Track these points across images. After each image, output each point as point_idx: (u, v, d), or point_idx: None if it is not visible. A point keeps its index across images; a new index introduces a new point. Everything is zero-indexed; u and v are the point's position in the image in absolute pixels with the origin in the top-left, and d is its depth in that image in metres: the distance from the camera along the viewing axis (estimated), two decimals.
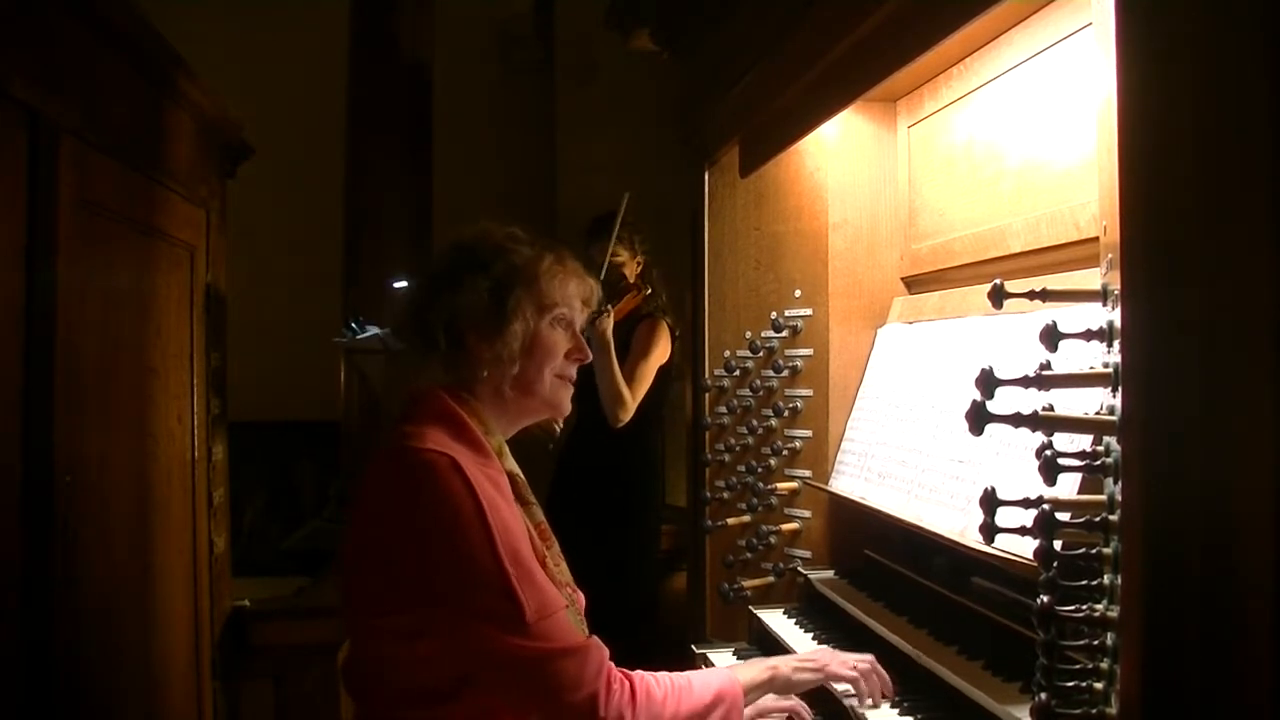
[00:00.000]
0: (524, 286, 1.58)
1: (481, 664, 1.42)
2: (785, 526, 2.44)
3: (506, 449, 1.60)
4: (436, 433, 1.48)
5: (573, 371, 1.66)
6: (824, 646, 1.83)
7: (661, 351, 3.40)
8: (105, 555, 2.14)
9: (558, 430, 1.81)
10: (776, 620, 2.22)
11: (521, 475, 1.61)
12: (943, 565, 1.88)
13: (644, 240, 3.50)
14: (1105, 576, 1.05)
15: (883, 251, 2.35)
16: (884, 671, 1.69)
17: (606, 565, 3.13)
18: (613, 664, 1.50)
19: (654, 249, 3.56)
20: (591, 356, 1.69)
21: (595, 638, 1.50)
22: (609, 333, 3.25)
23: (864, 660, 1.69)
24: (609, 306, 3.23)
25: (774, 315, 2.47)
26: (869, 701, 1.66)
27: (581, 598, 1.65)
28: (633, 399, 3.31)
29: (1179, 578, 0.95)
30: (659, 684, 1.52)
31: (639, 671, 1.55)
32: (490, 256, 1.59)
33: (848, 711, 1.70)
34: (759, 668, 1.67)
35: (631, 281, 3.46)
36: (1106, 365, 1.06)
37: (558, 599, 1.47)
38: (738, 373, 2.58)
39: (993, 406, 1.16)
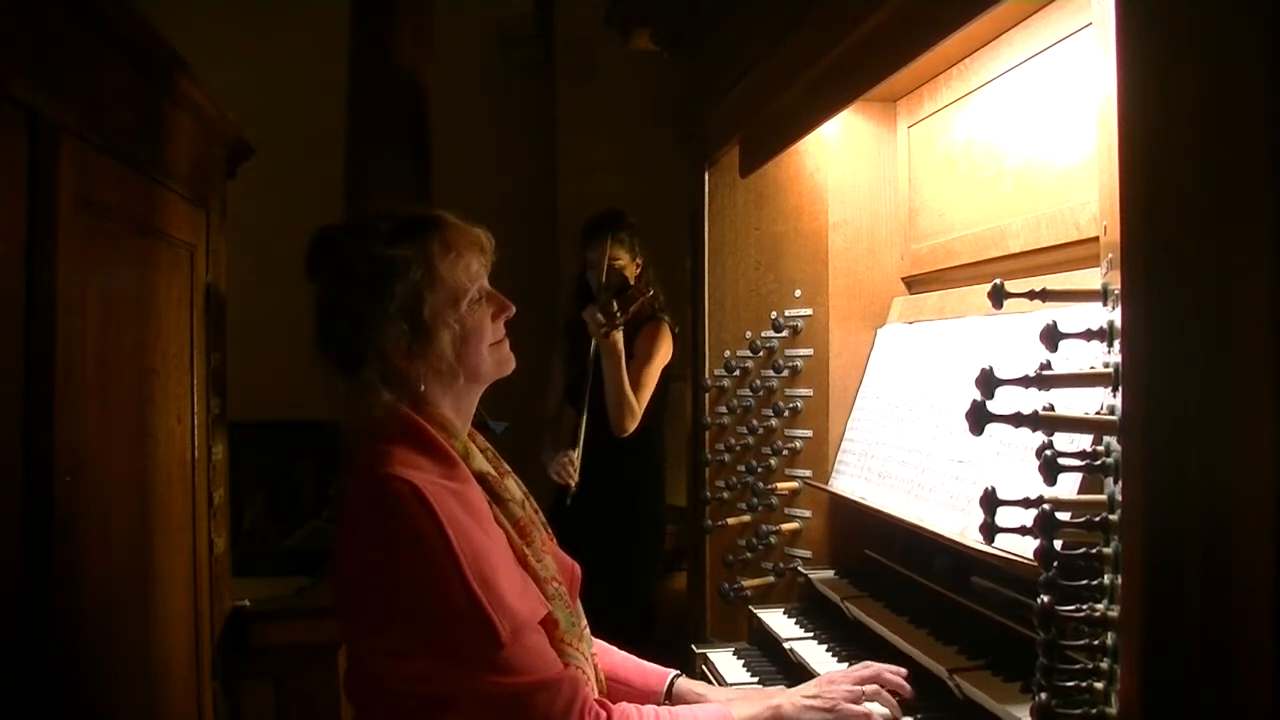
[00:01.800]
0: (430, 291, 1.50)
1: (457, 690, 1.41)
2: (785, 526, 2.44)
3: (473, 448, 1.57)
4: (402, 451, 1.45)
5: (502, 331, 1.59)
6: (832, 671, 1.74)
7: (665, 354, 3.41)
8: (105, 555, 2.14)
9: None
10: (777, 620, 2.22)
11: (494, 472, 1.58)
12: (943, 565, 1.88)
13: (642, 242, 3.49)
14: (1105, 576, 1.05)
15: (883, 251, 2.35)
16: (888, 676, 1.64)
17: (612, 569, 3.12)
18: (590, 693, 1.48)
19: (653, 249, 3.56)
20: (514, 310, 1.60)
21: (571, 668, 1.48)
22: (620, 344, 3.24)
23: (867, 680, 1.62)
24: (619, 318, 3.22)
25: (774, 315, 2.47)
26: None
27: (576, 571, 1.65)
28: (640, 406, 3.32)
29: (1179, 578, 0.95)
30: (641, 717, 1.50)
31: (623, 704, 1.53)
32: (380, 276, 1.48)
33: None
34: (760, 705, 1.60)
35: (632, 284, 3.45)
36: (1106, 365, 1.06)
37: (533, 612, 1.45)
38: (738, 373, 2.58)
39: (993, 406, 1.16)
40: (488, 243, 1.60)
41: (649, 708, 1.54)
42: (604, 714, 1.46)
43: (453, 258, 1.53)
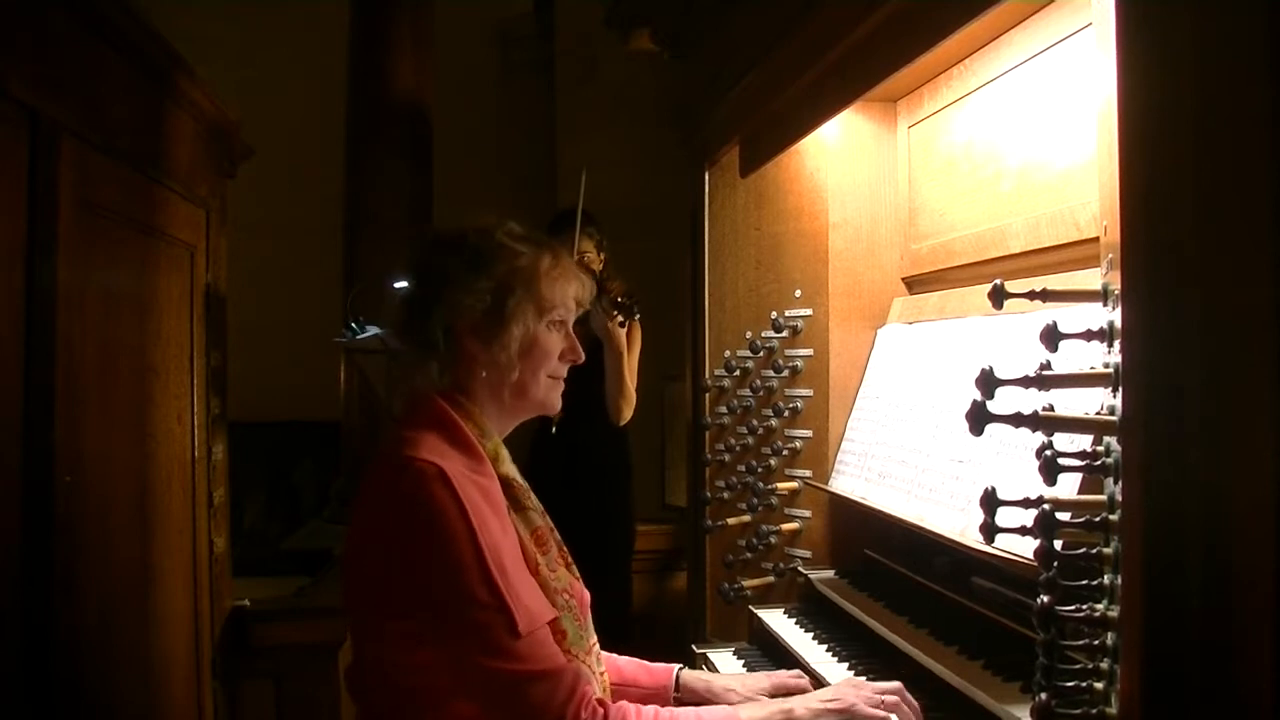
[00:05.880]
0: (524, 289, 1.56)
1: (461, 680, 1.42)
2: (785, 526, 2.44)
3: (504, 453, 1.59)
4: (431, 439, 1.47)
5: (564, 371, 1.64)
6: (846, 678, 1.72)
7: (638, 342, 3.49)
8: (105, 555, 2.14)
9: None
10: (776, 620, 2.22)
11: (520, 480, 1.60)
12: (943, 565, 1.88)
13: (604, 232, 3.53)
14: (1105, 576, 1.05)
15: (883, 251, 2.35)
16: (913, 700, 1.60)
17: (593, 560, 3.15)
18: (592, 692, 1.48)
19: (652, 248, 3.58)
20: (583, 357, 1.67)
21: (574, 663, 1.48)
22: (623, 338, 3.31)
23: (891, 693, 1.59)
24: (634, 316, 3.27)
25: (774, 315, 2.47)
26: None
27: (585, 595, 1.64)
28: (633, 396, 3.41)
29: (1179, 578, 0.95)
30: (640, 716, 1.49)
31: (622, 702, 1.53)
32: (490, 256, 1.56)
33: None
34: (771, 708, 1.59)
35: (599, 274, 3.48)
36: (1106, 365, 1.06)
37: (542, 613, 1.46)
38: (738, 373, 2.58)
39: (993, 406, 1.16)
40: (586, 292, 1.67)
41: (649, 707, 1.54)
42: (602, 711, 1.46)
43: (556, 275, 1.60)
